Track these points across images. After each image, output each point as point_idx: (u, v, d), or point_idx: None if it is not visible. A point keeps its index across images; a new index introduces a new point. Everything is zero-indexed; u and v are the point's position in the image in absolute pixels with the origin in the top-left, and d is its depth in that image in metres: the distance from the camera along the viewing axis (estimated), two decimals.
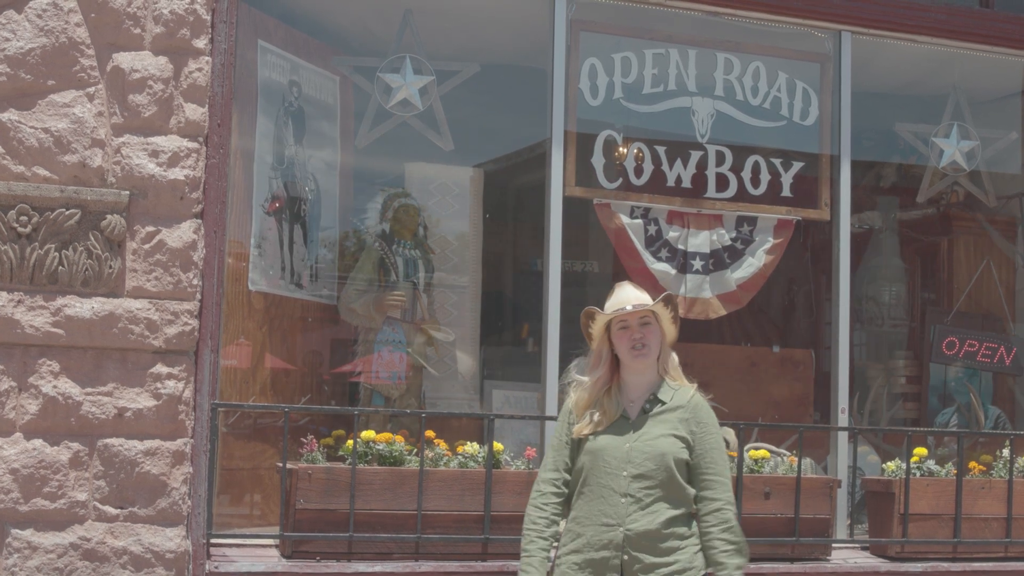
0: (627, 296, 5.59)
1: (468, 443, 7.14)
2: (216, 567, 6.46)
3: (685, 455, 5.39)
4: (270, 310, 7.88)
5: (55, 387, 6.14)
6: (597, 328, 5.60)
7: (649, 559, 5.28)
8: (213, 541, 6.59)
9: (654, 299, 5.58)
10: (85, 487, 6.16)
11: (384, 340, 8.19)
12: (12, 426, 6.08)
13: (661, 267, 8.11)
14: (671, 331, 5.63)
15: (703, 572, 5.33)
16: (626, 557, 5.29)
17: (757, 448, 7.78)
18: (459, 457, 7.04)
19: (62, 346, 6.17)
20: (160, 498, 6.24)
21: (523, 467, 7.11)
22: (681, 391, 5.54)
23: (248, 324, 7.66)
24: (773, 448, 7.96)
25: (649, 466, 5.35)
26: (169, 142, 6.39)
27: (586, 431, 5.50)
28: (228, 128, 6.69)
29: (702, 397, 5.57)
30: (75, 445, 6.16)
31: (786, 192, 8.32)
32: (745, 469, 7.43)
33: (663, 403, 5.49)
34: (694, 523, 5.40)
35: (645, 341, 5.50)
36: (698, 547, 5.35)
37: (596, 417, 5.50)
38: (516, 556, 6.80)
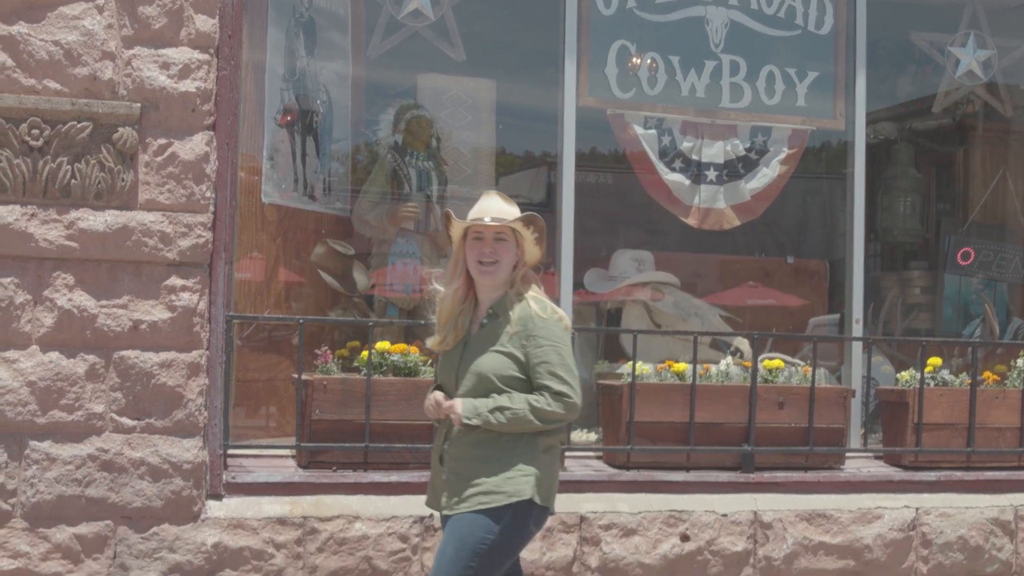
0: (489, 207, 5.21)
1: None
2: (233, 477, 6.51)
3: (513, 372, 5.01)
4: (283, 223, 7.88)
5: (70, 300, 6.15)
6: (455, 235, 5.25)
7: (459, 482, 5.00)
8: (230, 452, 6.63)
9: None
10: (102, 399, 6.19)
11: (398, 252, 8.19)
12: (28, 339, 6.10)
13: (675, 178, 8.10)
14: (533, 253, 5.23)
15: (520, 499, 4.90)
16: (444, 477, 5.10)
17: (771, 358, 7.78)
18: None
19: (76, 259, 6.17)
20: (176, 409, 6.28)
21: None
22: (521, 303, 5.10)
23: (262, 237, 7.66)
24: (787, 358, 7.97)
25: (469, 385, 5.06)
26: (180, 54, 6.36)
27: (436, 350, 5.32)
28: (239, 40, 6.65)
29: (540, 308, 5.08)
30: (91, 357, 6.18)
31: (801, 102, 8.27)
32: (760, 379, 7.45)
33: (497, 318, 5.12)
34: (525, 445, 5.00)
35: (496, 257, 5.12)
36: (519, 472, 4.95)
37: (449, 336, 5.20)
38: None
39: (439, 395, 5.16)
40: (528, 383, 5.02)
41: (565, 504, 6.77)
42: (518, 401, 4.96)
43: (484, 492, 4.95)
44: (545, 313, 5.08)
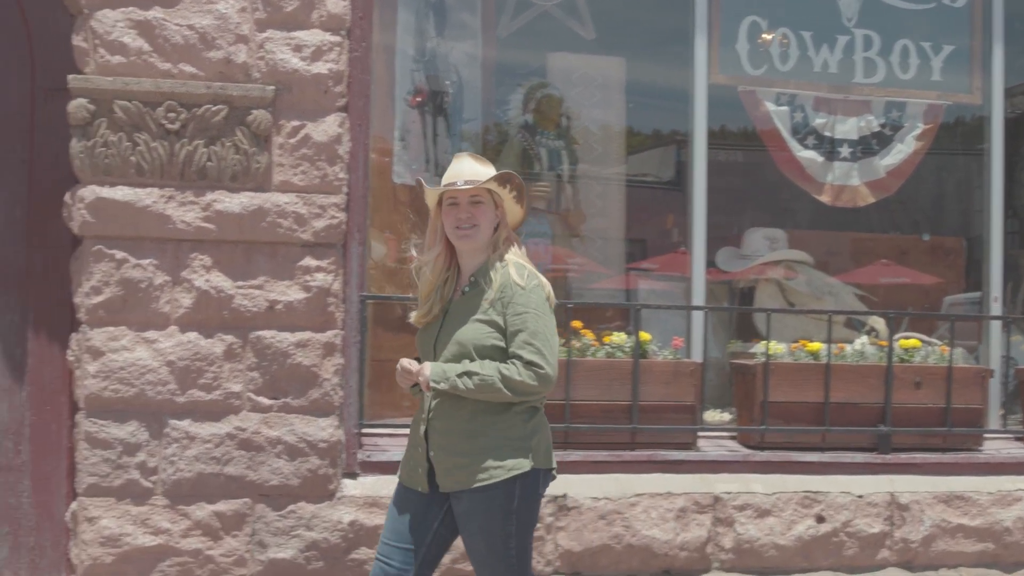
0: (461, 170, 5.01)
1: (615, 333, 7.13)
2: (368, 456, 6.56)
3: (494, 341, 4.86)
4: (415, 203, 7.88)
5: (207, 281, 6.23)
6: (431, 203, 5.09)
7: (448, 457, 4.88)
8: (364, 431, 6.69)
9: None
10: (239, 378, 6.27)
11: (529, 231, 8.18)
12: (167, 319, 6.20)
13: (808, 155, 8.01)
14: (515, 212, 5.07)
15: (520, 471, 4.80)
16: (432, 453, 4.92)
17: (908, 337, 7.67)
18: (606, 347, 7.03)
19: (213, 240, 6.25)
20: (312, 389, 6.34)
21: (670, 356, 7.09)
22: (502, 270, 4.91)
23: (393, 217, 7.69)
24: (924, 337, 7.85)
25: (449, 355, 4.90)
26: (312, 36, 6.41)
27: (421, 324, 5.12)
28: (370, 21, 6.68)
29: (519, 274, 4.89)
30: (228, 337, 6.26)
31: (936, 76, 8.14)
32: (895, 359, 7.34)
33: (478, 285, 4.95)
34: (512, 415, 4.87)
35: (474, 221, 4.94)
36: (513, 443, 4.83)
37: (435, 307, 5.04)
38: (664, 446, 6.91)
39: (406, 361, 5.00)
40: (504, 349, 4.86)
41: (699, 484, 6.77)
42: (488, 368, 4.79)
43: (483, 468, 4.82)
44: (524, 280, 4.88)
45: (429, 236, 5.12)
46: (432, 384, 4.82)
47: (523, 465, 4.81)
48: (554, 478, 5.03)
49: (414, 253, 5.23)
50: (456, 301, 5.00)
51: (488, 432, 4.83)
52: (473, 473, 4.82)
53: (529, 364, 4.76)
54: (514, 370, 4.77)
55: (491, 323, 4.86)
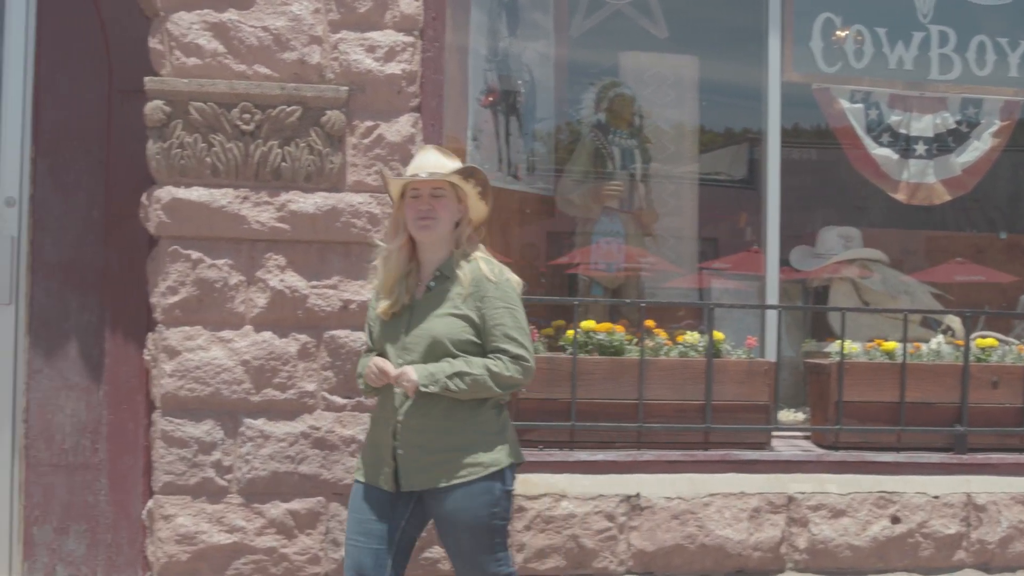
0: (425, 162, 5.10)
1: (688, 332, 7.11)
2: None
3: (468, 335, 4.95)
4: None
5: (282, 280, 6.27)
6: (394, 194, 5.18)
7: (423, 455, 4.95)
8: None
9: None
10: (313, 378, 6.30)
11: (602, 231, 8.18)
12: (242, 319, 6.24)
13: (883, 152, 7.96)
14: (479, 208, 5.14)
15: (498, 467, 4.92)
16: (401, 451, 4.98)
17: (984, 336, 7.58)
18: (679, 346, 7.01)
19: (287, 240, 6.28)
20: None
21: (743, 356, 7.05)
22: (470, 264, 5.01)
23: None
24: (1001, 336, 7.76)
25: (420, 350, 4.95)
26: (385, 37, 6.43)
27: (387, 315, 5.13)
28: (443, 21, 6.69)
29: (490, 269, 4.99)
30: (303, 337, 6.29)
31: (1014, 72, 8.06)
32: (972, 358, 7.26)
33: (446, 279, 5.01)
34: (486, 410, 4.98)
35: (434, 213, 5.02)
36: (490, 439, 4.95)
37: (402, 299, 5.08)
38: (738, 445, 6.87)
39: (381, 362, 5.00)
40: (482, 347, 4.92)
41: (773, 484, 6.73)
42: (476, 366, 4.85)
43: (464, 465, 4.89)
44: (495, 275, 4.97)
45: (391, 227, 5.23)
46: (422, 388, 4.86)
47: (502, 460, 4.94)
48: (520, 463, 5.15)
49: (379, 243, 5.30)
50: (423, 296, 5.07)
51: (465, 429, 4.93)
52: (453, 470, 4.90)
53: (516, 358, 4.90)
54: (501, 365, 4.87)
55: (465, 318, 4.97)
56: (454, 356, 4.93)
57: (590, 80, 8.60)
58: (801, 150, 9.96)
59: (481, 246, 5.13)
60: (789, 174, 7.72)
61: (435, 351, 4.94)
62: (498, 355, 4.90)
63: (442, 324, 4.95)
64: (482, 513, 4.91)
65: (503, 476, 4.97)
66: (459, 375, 4.86)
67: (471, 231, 5.15)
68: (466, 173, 5.07)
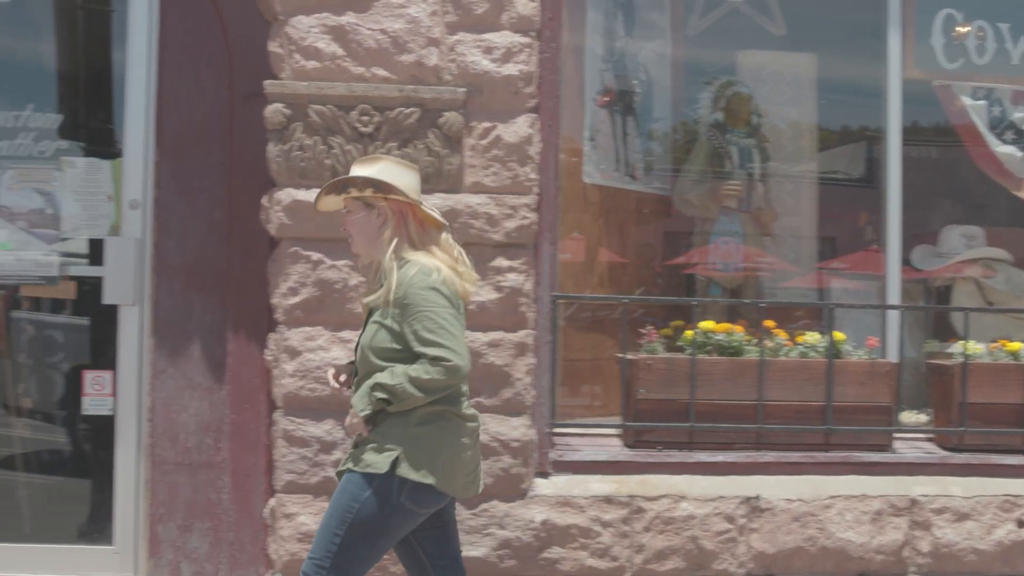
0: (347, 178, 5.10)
1: (808, 333, 7.05)
2: (560, 456, 6.57)
3: (389, 343, 4.87)
4: (605, 203, 7.91)
5: None
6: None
7: (348, 460, 4.96)
8: (556, 431, 6.70)
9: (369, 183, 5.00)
10: None
11: (720, 231, 8.13)
12: (362, 320, 6.26)
13: (1006, 150, 7.84)
14: (408, 187, 5.01)
15: (375, 471, 4.78)
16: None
17: None
18: (799, 347, 6.95)
19: None
20: (504, 388, 6.37)
21: (865, 356, 6.97)
22: (401, 269, 4.88)
23: (584, 217, 7.71)
24: None
25: (359, 361, 4.98)
26: (502, 38, 6.44)
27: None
28: (559, 22, 6.69)
29: (414, 271, 4.85)
30: None
31: None
32: None
33: (381, 287, 4.93)
34: (397, 417, 4.84)
35: (348, 233, 5.11)
36: (384, 445, 4.82)
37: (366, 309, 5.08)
38: (859, 447, 6.80)
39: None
40: (411, 353, 4.83)
41: (895, 487, 6.65)
42: (397, 376, 4.79)
43: (354, 457, 4.89)
44: (418, 276, 4.85)
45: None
46: (361, 414, 4.88)
47: (379, 466, 4.81)
48: (445, 497, 4.96)
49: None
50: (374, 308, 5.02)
51: (377, 426, 4.88)
52: (349, 460, 4.93)
53: (435, 360, 4.77)
54: (421, 370, 4.79)
55: (387, 327, 4.89)
56: (380, 367, 4.89)
57: (707, 79, 8.56)
58: (921, 148, 9.82)
59: (444, 241, 5.07)
60: (909, 172, 7.62)
61: (365, 363, 4.95)
62: (420, 360, 4.82)
63: (368, 334, 4.95)
64: (343, 501, 4.87)
65: (374, 482, 4.84)
66: (379, 386, 4.83)
67: (415, 230, 5.03)
68: (333, 188, 5.10)
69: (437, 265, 4.93)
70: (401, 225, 5.00)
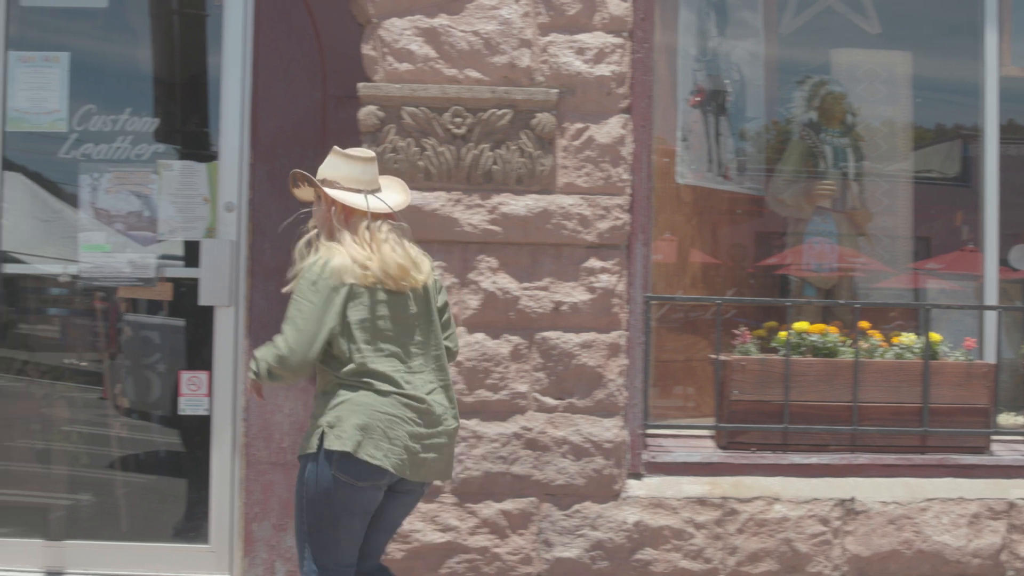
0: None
1: (904, 334, 6.98)
2: (653, 457, 6.56)
3: None
4: (697, 203, 7.88)
5: (494, 282, 6.32)
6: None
7: None
8: (649, 432, 6.68)
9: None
10: (525, 379, 6.34)
11: (814, 231, 8.06)
12: (455, 320, 6.29)
13: None
14: (322, 208, 5.06)
15: (307, 451, 4.86)
16: None
17: None
18: (895, 348, 6.88)
19: (498, 243, 6.34)
20: (597, 389, 6.37)
21: (961, 358, 6.89)
22: (306, 260, 4.96)
23: (676, 218, 7.68)
24: None
25: None
26: (594, 38, 6.44)
27: None
28: (651, 22, 6.68)
29: (313, 263, 4.88)
30: (514, 338, 6.34)
31: None
32: None
33: None
34: (322, 398, 4.93)
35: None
36: (313, 425, 4.90)
37: None
38: (956, 449, 6.72)
39: None
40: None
41: (992, 490, 6.58)
42: (258, 354, 4.92)
43: (300, 445, 5.01)
44: (308, 266, 4.89)
45: None
46: (252, 378, 5.03)
47: (311, 446, 4.88)
48: (383, 471, 4.89)
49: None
50: None
51: (313, 412, 4.97)
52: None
53: (273, 345, 4.84)
54: (265, 351, 4.89)
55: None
56: None
57: (800, 78, 8.49)
58: (1018, 146, 9.71)
59: (361, 229, 5.01)
60: (1007, 171, 7.53)
61: None
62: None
63: None
64: (296, 489, 4.99)
65: (310, 461, 4.90)
66: (253, 359, 4.98)
67: (338, 220, 5.03)
68: (294, 180, 5.19)
69: (328, 257, 4.92)
70: (327, 216, 5.06)
